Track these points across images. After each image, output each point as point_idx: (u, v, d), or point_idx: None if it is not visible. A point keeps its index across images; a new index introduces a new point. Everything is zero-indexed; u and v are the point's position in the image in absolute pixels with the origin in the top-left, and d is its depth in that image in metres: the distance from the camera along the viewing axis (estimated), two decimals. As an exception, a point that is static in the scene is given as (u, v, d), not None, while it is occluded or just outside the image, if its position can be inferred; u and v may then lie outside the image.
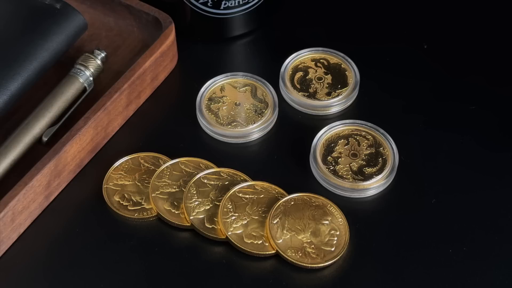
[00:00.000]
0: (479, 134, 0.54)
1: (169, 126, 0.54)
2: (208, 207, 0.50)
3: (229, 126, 0.53)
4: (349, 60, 0.56)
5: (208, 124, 0.53)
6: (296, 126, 0.54)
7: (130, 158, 0.52)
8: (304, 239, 0.48)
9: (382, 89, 0.56)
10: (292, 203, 0.50)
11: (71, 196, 0.51)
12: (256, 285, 0.47)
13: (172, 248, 0.49)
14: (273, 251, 0.48)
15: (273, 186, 0.51)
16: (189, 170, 0.51)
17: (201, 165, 0.52)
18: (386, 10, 0.61)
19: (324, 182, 0.51)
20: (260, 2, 0.57)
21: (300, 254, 0.48)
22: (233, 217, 0.49)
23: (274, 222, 0.49)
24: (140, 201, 0.50)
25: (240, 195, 0.50)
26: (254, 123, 0.53)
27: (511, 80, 0.57)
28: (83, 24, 0.55)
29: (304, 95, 0.55)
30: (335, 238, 0.49)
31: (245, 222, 0.49)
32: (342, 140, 0.53)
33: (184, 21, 0.57)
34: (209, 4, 0.56)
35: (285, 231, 0.49)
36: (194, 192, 0.50)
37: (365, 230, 0.49)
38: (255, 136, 0.54)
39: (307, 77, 0.56)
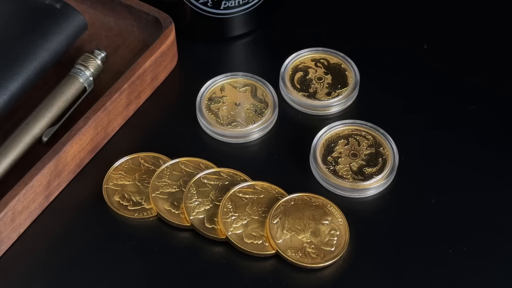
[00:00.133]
0: (479, 134, 0.54)
1: (169, 126, 0.54)
2: (208, 207, 0.50)
3: (229, 126, 0.53)
4: (349, 60, 0.56)
5: (208, 124, 0.53)
6: (296, 126, 0.54)
7: (130, 158, 0.52)
8: (304, 239, 0.48)
9: (382, 89, 0.56)
10: (292, 203, 0.50)
11: (71, 196, 0.51)
12: (256, 285, 0.47)
13: (172, 248, 0.49)
14: (273, 251, 0.48)
15: (273, 186, 0.50)
16: (189, 170, 0.51)
17: (201, 165, 0.52)
18: (386, 10, 0.61)
19: (324, 182, 0.51)
20: (260, 2, 0.57)
21: (300, 254, 0.48)
22: (233, 217, 0.49)
23: (274, 222, 0.49)
24: (140, 201, 0.50)
25: (240, 195, 0.50)
26: (254, 123, 0.53)
27: (511, 80, 0.57)
28: (83, 24, 0.55)
29: (304, 95, 0.55)
30: (335, 238, 0.49)
31: (245, 222, 0.49)
32: (342, 140, 0.53)
33: (184, 21, 0.57)
34: (209, 4, 0.55)
35: (285, 231, 0.48)
36: (194, 192, 0.50)
37: (365, 230, 0.49)
38: (255, 136, 0.54)
39: (307, 77, 0.56)
